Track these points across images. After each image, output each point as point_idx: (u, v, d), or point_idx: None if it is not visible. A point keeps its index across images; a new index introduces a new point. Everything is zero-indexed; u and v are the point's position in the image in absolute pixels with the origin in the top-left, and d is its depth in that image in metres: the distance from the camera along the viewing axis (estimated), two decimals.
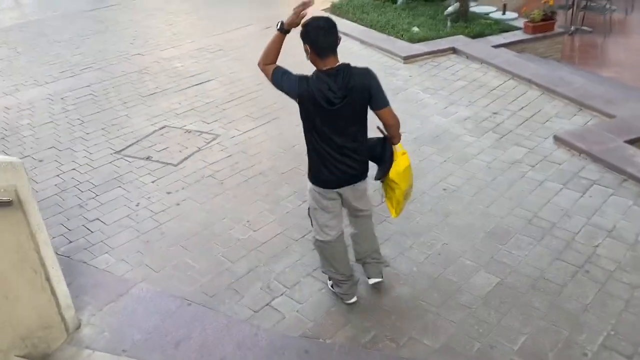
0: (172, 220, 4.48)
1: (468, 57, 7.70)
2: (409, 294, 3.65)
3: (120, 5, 12.44)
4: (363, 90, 2.98)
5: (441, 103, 6.41)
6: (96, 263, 4.04)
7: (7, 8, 13.55)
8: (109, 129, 6.15)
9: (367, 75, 3.01)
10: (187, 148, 5.63)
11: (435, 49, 7.95)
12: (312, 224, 3.44)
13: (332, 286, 3.64)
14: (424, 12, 9.70)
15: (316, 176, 3.22)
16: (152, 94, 7.05)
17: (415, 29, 8.77)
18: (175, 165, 5.31)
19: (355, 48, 8.41)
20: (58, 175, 5.23)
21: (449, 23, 8.89)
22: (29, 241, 3.00)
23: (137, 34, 9.84)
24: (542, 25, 8.55)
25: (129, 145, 5.75)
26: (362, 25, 9.40)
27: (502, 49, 7.97)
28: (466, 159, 5.21)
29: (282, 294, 3.68)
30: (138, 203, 4.74)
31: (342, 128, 3.02)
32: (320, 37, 2.88)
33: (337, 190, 3.23)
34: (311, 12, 3.03)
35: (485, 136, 5.61)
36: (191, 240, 4.24)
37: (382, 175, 3.38)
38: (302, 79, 2.98)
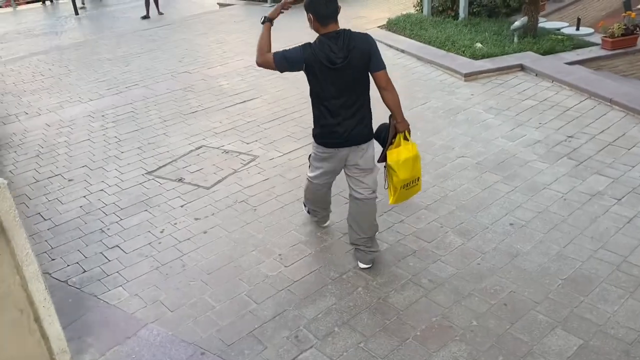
0: (197, 251, 4.00)
1: (538, 74, 6.94)
2: (466, 355, 2.96)
3: (174, 25, 12.45)
4: (363, 52, 3.19)
5: (507, 124, 5.68)
6: (108, 297, 3.59)
7: (70, 29, 13.92)
8: (145, 147, 5.82)
9: (367, 39, 3.24)
10: (222, 170, 5.18)
11: (500, 65, 7.24)
12: (309, 166, 3.72)
13: (307, 211, 4.09)
14: (487, 27, 9.01)
15: (321, 136, 3.41)
16: (193, 112, 6.71)
17: (479, 44, 8.08)
18: (208, 189, 4.86)
19: (412, 65, 7.81)
20: (85, 197, 4.89)
21: (515, 39, 8.15)
22: (14, 275, 2.57)
23: (186, 53, 9.67)
24: (623, 40, 7.67)
25: (162, 166, 5.37)
26: (420, 41, 8.83)
27: (577, 66, 7.15)
28: (537, 189, 4.47)
29: (311, 347, 3.08)
30: (163, 229, 4.30)
31: (345, 88, 3.24)
32: (322, 6, 3.14)
33: (340, 149, 3.38)
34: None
35: (559, 163, 4.85)
36: (214, 274, 3.73)
37: (379, 158, 3.52)
38: (306, 45, 3.22)
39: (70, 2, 16.03)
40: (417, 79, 7.28)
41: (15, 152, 5.96)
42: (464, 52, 7.92)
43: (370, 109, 3.44)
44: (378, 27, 10.12)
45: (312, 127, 3.46)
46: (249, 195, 4.69)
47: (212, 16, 13.37)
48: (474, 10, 10.00)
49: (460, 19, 9.77)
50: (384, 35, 9.52)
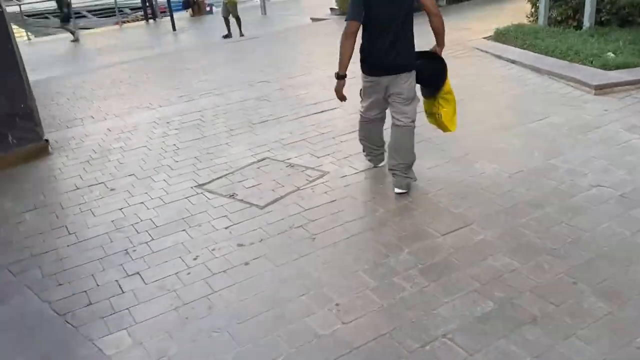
0: (231, 288, 3.04)
1: None
2: None
3: (263, 38, 11.99)
4: None
5: None
6: (106, 344, 2.71)
7: (164, 43, 13.98)
8: (202, 157, 5.03)
9: None
10: (282, 186, 4.23)
11: None
12: (361, 102, 4.02)
13: (365, 154, 4.33)
14: (619, 36, 7.47)
15: (368, 65, 3.73)
16: (263, 122, 5.88)
17: (611, 54, 6.62)
18: (261, 208, 3.92)
19: (527, 76, 6.52)
20: (121, 209, 4.14)
21: None
22: None
23: (269, 63, 8.99)
24: None
25: (216, 179, 4.52)
26: (534, 52, 7.50)
27: None
28: None
29: None
30: (197, 256, 3.39)
31: (394, 19, 3.55)
32: None
33: (384, 77, 3.68)
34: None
35: None
36: (247, 325, 2.74)
37: (441, 87, 3.79)
38: None
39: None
40: (533, 91, 5.98)
41: (67, 156, 5.42)
42: (592, 62, 6.51)
43: (413, 42, 3.71)
44: (484, 38, 8.90)
45: (360, 59, 3.76)
46: (309, 219, 3.68)
47: (302, 30, 12.80)
48: (602, 19, 8.46)
49: (584, 28, 8.29)
50: (491, 45, 8.31)
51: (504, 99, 5.89)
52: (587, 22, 8.29)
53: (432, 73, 3.76)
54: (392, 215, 3.63)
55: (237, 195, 4.18)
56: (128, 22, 20.96)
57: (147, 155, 5.23)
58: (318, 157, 4.74)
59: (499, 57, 7.58)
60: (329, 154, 4.78)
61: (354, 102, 5.73)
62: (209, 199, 4.17)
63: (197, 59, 10.16)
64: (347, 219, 3.61)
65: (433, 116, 3.98)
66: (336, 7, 14.31)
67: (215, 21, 17.47)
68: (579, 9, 8.58)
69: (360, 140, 4.26)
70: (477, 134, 4.92)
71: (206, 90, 7.54)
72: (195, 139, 5.57)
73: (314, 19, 14.33)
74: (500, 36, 8.68)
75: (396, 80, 3.67)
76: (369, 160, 4.34)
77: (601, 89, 5.69)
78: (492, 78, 6.72)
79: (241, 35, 12.91)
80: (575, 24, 8.65)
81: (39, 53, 14.89)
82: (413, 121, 3.79)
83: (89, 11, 22.85)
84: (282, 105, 6.43)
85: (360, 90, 3.98)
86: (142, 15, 20.24)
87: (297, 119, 5.84)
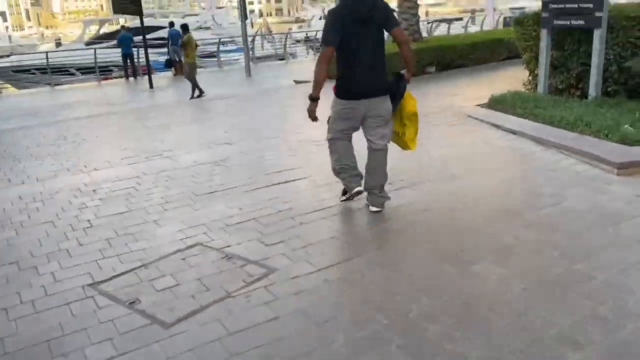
0: None
1: None
2: None
3: (238, 97, 11.08)
4: (383, 12, 3.74)
5: None
6: None
7: (136, 100, 13.10)
8: (115, 240, 3.82)
9: (384, 3, 3.80)
10: (207, 291, 3.02)
11: None
12: (328, 130, 3.97)
13: (343, 192, 4.11)
14: (633, 108, 6.54)
15: (345, 90, 3.78)
16: (210, 193, 4.72)
17: (629, 128, 5.64)
18: (167, 328, 2.68)
19: (530, 149, 5.49)
20: None
21: None
22: None
23: (237, 123, 7.97)
24: None
25: (122, 274, 3.30)
26: (536, 121, 6.54)
27: None
28: None
29: None
30: None
31: (369, 42, 3.69)
32: None
33: (361, 101, 3.75)
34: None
35: None
36: None
37: (396, 105, 3.89)
38: (334, 10, 3.82)
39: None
40: (540, 167, 4.93)
41: None
42: (607, 135, 5.52)
43: (385, 65, 3.80)
44: (477, 105, 7.99)
45: (335, 86, 3.81)
46: (231, 352, 2.43)
47: (283, 91, 11.93)
48: (609, 89, 7.59)
49: (589, 98, 7.40)
50: (486, 113, 7.36)
51: (506, 176, 4.81)
52: (592, 91, 7.41)
53: (395, 89, 3.89)
54: (357, 352, 2.41)
55: (139, 302, 2.94)
56: (109, 79, 20.29)
57: (47, 235, 4.01)
58: (267, 246, 3.55)
59: (496, 126, 6.61)
60: (282, 241, 3.60)
61: (327, 172, 4.64)
62: (98, 307, 2.93)
63: (160, 116, 9.13)
64: (295, 353, 2.37)
65: (395, 134, 4.04)
66: None
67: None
68: (582, 77, 7.75)
69: (335, 164, 3.98)
70: (474, 221, 3.79)
71: (157, 151, 6.43)
72: (116, 213, 4.37)
73: (297, 82, 13.58)
74: (496, 103, 7.75)
75: (375, 103, 3.75)
76: (344, 183, 4.01)
77: (626, 169, 4.64)
78: (489, 150, 5.69)
79: (191, 97, 11.69)
80: (578, 93, 7.78)
81: (3, 106, 13.91)
82: (388, 140, 3.96)
83: (75, 67, 22.27)
84: (239, 172, 5.31)
85: (329, 117, 3.95)
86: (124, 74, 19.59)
87: (252, 191, 4.69)
